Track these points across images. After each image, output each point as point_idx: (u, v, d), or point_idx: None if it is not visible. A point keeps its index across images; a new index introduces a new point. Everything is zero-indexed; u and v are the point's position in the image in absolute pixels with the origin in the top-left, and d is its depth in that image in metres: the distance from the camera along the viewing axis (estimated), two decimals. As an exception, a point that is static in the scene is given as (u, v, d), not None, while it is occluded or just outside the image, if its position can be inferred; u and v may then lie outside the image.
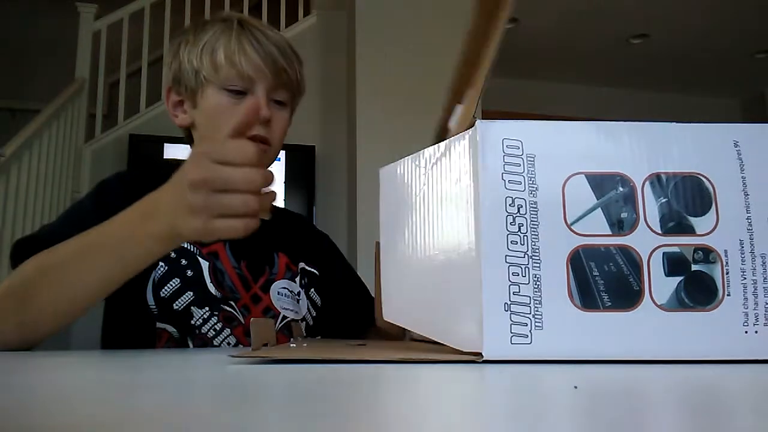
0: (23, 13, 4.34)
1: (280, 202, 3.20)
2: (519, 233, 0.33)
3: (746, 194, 0.34)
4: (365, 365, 0.33)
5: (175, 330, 0.77)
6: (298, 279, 0.89)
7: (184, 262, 0.79)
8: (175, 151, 3.27)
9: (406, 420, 0.17)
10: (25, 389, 0.25)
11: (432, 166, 0.36)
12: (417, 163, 0.37)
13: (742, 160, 0.34)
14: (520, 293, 0.33)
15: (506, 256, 0.33)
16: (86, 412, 0.19)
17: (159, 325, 0.76)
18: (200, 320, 0.77)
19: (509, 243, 0.33)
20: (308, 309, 0.89)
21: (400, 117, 3.19)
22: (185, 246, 0.79)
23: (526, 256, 0.33)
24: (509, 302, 0.33)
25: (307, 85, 0.89)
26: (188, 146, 0.88)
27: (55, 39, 4.13)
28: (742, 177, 0.34)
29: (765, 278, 0.33)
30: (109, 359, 0.45)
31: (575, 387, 0.23)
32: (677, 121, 0.35)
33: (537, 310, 0.33)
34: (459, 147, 0.35)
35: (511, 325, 0.33)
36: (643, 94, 4.80)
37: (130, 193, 0.75)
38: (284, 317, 0.84)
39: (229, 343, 0.78)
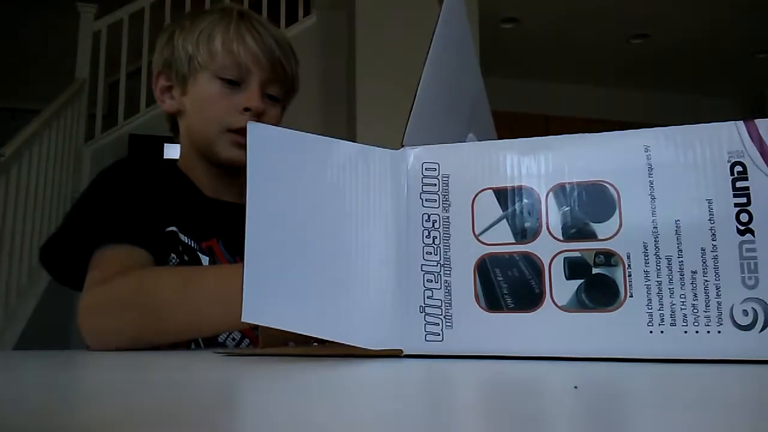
0: (23, 14, 4.38)
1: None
2: (433, 245, 0.37)
3: (653, 198, 0.35)
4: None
5: None
6: None
7: (186, 258, 0.75)
8: (175, 152, 3.27)
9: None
10: (25, 389, 0.25)
11: (349, 175, 0.39)
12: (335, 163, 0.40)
13: (651, 164, 0.35)
14: (433, 297, 0.37)
15: (422, 265, 0.37)
16: (86, 412, 0.19)
17: None
18: None
19: (424, 254, 0.38)
20: None
21: (400, 117, 3.16)
22: (185, 240, 0.76)
23: (439, 264, 0.37)
24: (424, 305, 0.37)
25: (304, 86, 0.87)
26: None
27: (55, 39, 4.17)
28: (650, 181, 0.35)
29: (671, 280, 0.34)
30: (110, 359, 0.45)
31: (575, 387, 0.24)
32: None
33: (448, 312, 0.36)
34: (381, 166, 0.39)
35: (425, 324, 0.36)
36: (643, 94, 4.79)
37: (135, 182, 0.78)
38: None
39: (234, 339, 0.74)
